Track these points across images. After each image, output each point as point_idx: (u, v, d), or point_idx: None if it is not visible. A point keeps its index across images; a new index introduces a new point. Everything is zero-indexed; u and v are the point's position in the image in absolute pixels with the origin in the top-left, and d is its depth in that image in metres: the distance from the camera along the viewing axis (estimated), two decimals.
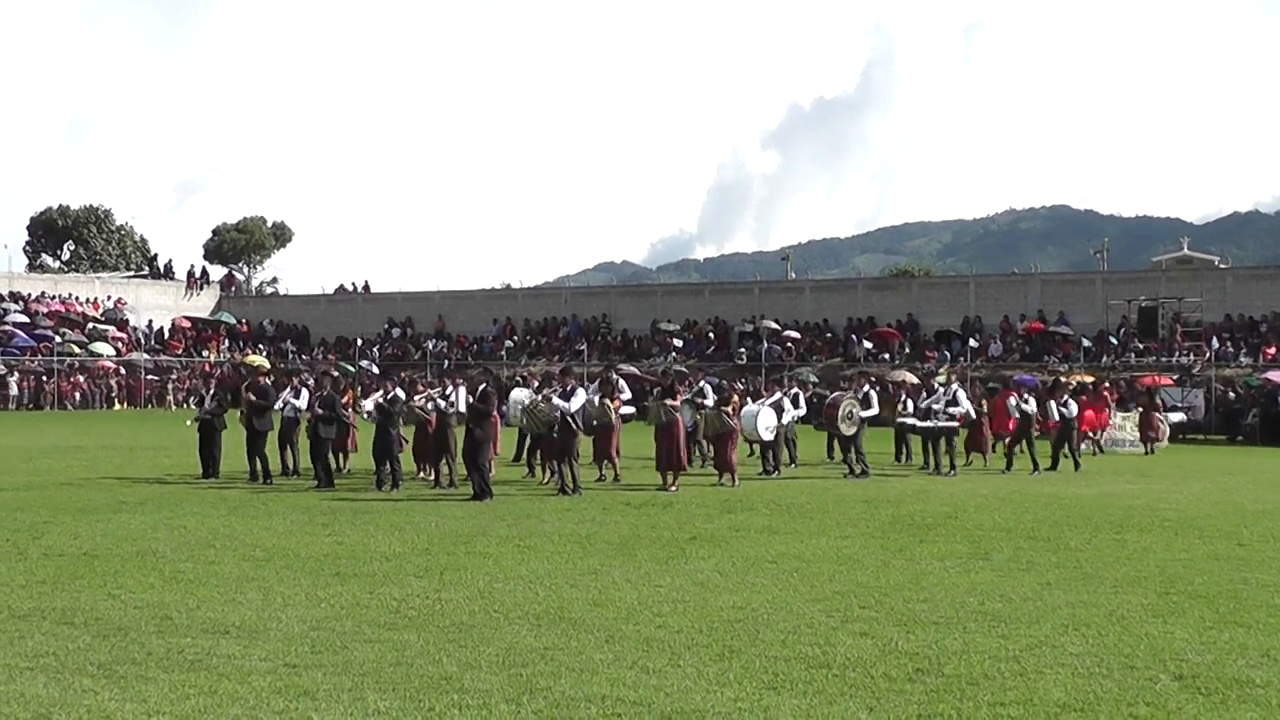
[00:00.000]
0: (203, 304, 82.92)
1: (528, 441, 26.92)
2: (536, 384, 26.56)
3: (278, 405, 26.42)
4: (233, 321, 79.94)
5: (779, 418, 27.44)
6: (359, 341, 72.51)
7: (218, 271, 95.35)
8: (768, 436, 27.23)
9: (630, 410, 27.38)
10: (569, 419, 22.99)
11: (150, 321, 77.52)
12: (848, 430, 27.45)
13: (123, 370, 69.44)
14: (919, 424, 29.23)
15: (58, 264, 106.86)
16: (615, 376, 28.64)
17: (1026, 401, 29.80)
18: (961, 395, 29.14)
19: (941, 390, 29.11)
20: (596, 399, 25.51)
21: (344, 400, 26.66)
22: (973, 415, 30.02)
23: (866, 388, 28.78)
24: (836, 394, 29.28)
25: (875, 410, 28.37)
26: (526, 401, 24.69)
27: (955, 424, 28.82)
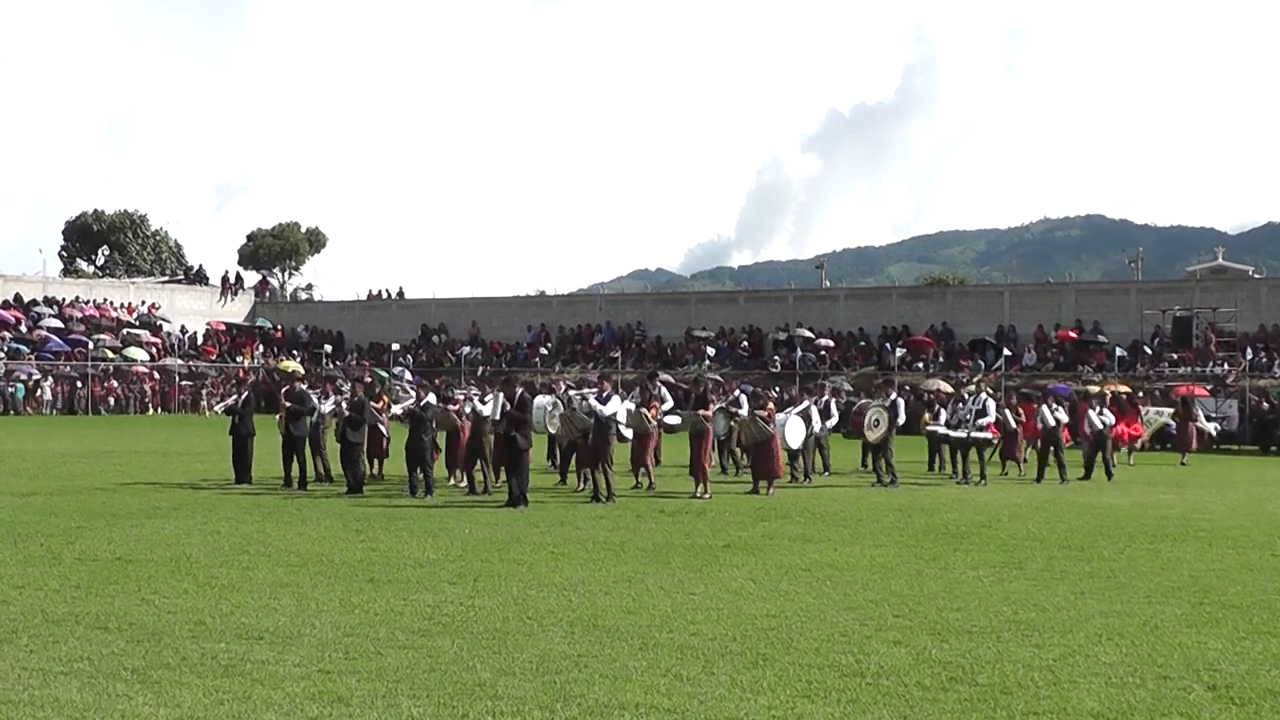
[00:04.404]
0: (237, 309, 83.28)
1: (560, 448, 26.92)
2: (562, 388, 26.43)
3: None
4: (269, 327, 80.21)
5: (807, 426, 27.42)
6: (393, 347, 72.58)
7: (252, 277, 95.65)
8: (796, 445, 27.22)
9: (675, 420, 27.35)
10: (603, 424, 23.03)
11: (184, 327, 77.80)
12: (873, 437, 27.40)
13: (156, 375, 69.73)
14: (951, 434, 28.99)
15: (92, 269, 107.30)
16: (657, 384, 28.61)
17: (1056, 411, 29.66)
18: (990, 405, 28.90)
19: (970, 400, 28.92)
20: (634, 406, 25.48)
21: (378, 406, 26.67)
22: (1012, 425, 29.87)
23: (895, 396, 28.64)
24: (864, 401, 29.25)
25: (903, 419, 28.21)
26: (551, 407, 24.66)
27: (987, 435, 28.69)
